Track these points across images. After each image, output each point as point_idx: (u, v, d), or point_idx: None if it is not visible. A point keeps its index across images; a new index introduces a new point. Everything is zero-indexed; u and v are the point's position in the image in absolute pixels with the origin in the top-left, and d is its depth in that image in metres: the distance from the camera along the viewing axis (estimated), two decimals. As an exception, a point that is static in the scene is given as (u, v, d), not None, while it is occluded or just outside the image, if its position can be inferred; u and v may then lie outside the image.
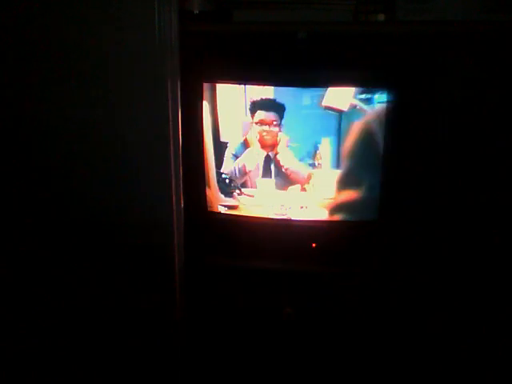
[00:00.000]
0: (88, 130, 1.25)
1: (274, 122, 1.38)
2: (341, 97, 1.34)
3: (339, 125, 1.35)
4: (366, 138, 1.36)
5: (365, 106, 1.34)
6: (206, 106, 1.40)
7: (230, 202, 1.49)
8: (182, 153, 1.28)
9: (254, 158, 1.44)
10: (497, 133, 1.51)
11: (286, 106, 1.36)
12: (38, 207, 1.31)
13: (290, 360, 1.49)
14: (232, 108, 1.40)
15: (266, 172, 1.45)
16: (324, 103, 1.34)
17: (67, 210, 1.31)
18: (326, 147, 1.38)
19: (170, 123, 1.23)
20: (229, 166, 1.46)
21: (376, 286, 1.44)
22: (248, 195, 1.48)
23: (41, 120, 1.25)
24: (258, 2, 1.37)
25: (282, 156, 1.42)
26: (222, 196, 1.49)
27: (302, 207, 1.45)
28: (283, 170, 1.43)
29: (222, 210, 1.50)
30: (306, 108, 1.36)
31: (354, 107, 1.34)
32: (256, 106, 1.38)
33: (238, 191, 1.47)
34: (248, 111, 1.39)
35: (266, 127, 1.40)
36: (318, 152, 1.39)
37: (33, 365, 1.41)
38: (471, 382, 1.44)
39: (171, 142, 1.25)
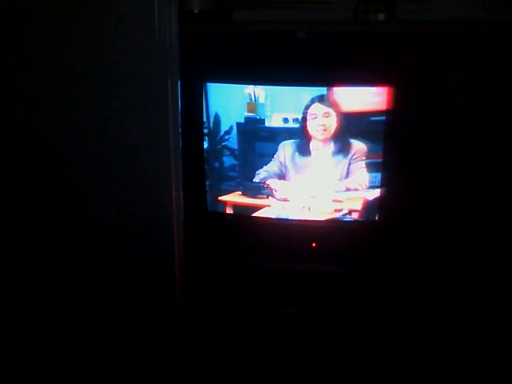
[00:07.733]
0: (88, 129, 1.25)
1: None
2: (341, 97, 1.34)
3: (340, 124, 1.36)
4: (366, 137, 1.36)
5: (364, 106, 1.34)
6: (205, 106, 1.40)
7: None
8: (182, 153, 1.29)
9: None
10: (497, 133, 1.51)
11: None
12: (37, 207, 1.31)
13: (290, 360, 1.49)
14: (232, 107, 1.40)
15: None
16: (326, 102, 1.34)
17: (67, 210, 1.31)
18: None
19: (170, 123, 1.24)
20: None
21: (376, 285, 1.44)
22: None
23: (40, 120, 1.25)
24: (257, 1, 1.36)
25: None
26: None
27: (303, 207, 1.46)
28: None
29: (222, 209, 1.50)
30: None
31: (353, 107, 1.34)
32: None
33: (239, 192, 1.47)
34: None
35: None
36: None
37: (33, 364, 1.42)
38: (471, 381, 1.44)
39: (171, 142, 1.25)
